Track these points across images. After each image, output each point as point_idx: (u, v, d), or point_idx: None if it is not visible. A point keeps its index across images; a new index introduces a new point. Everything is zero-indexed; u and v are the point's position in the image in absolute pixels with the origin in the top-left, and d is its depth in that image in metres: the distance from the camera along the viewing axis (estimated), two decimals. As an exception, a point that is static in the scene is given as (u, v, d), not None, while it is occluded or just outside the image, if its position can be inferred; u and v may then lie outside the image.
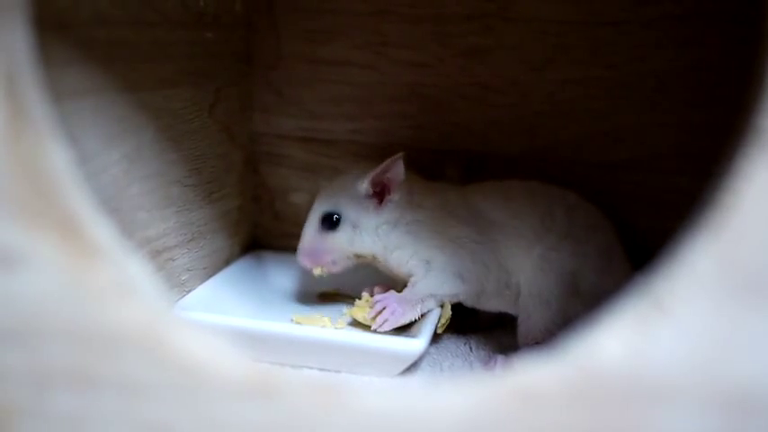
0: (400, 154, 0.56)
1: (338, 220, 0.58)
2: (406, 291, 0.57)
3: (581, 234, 0.57)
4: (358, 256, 0.60)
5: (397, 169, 0.57)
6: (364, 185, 0.58)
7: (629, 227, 0.62)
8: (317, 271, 0.60)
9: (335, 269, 0.60)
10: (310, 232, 0.59)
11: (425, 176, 0.63)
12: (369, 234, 0.58)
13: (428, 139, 0.68)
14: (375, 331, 0.55)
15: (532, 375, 0.28)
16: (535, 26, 0.64)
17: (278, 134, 0.71)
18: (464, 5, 0.65)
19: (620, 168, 0.65)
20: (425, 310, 0.56)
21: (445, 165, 0.66)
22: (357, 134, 0.70)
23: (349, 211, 0.58)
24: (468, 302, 0.58)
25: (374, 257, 0.59)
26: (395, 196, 0.58)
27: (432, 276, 0.57)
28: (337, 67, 0.68)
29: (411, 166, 0.59)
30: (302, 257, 0.60)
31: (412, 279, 0.57)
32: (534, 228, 0.57)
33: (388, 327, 0.55)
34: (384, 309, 0.55)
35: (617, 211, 0.62)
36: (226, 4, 0.64)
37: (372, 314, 0.56)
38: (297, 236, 0.63)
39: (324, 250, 0.59)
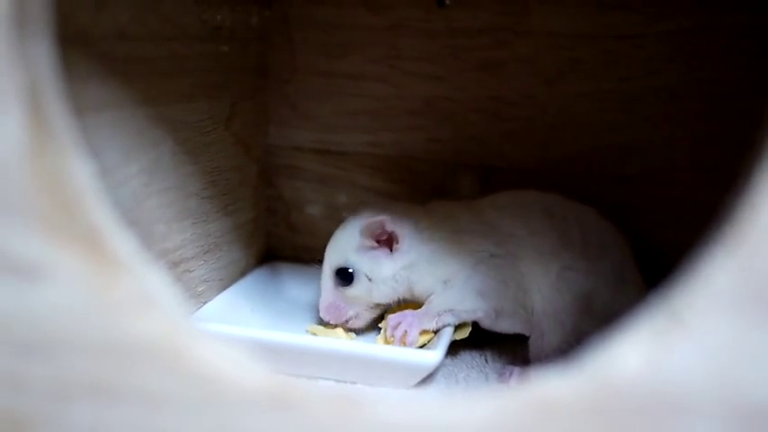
0: (383, 218, 0.56)
1: (352, 274, 0.58)
2: (423, 307, 0.57)
3: (595, 254, 0.57)
4: (379, 305, 0.59)
5: (395, 226, 0.56)
6: (366, 241, 0.57)
7: (643, 240, 0.62)
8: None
9: (359, 324, 0.60)
10: (327, 288, 0.59)
11: (438, 191, 0.63)
12: (387, 283, 0.58)
13: (442, 151, 0.68)
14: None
15: (550, 387, 0.28)
16: (548, 40, 0.64)
17: (293, 147, 0.72)
18: (478, 19, 0.65)
19: (634, 181, 0.65)
20: (443, 324, 0.56)
21: (459, 177, 0.67)
22: (372, 147, 0.70)
23: (361, 264, 0.58)
24: (486, 322, 0.57)
25: (398, 301, 0.59)
26: (403, 246, 0.57)
27: (449, 293, 0.56)
28: (352, 81, 0.69)
29: (417, 192, 0.58)
30: (324, 314, 0.59)
31: (430, 297, 0.57)
32: (552, 246, 0.56)
33: (410, 338, 0.55)
34: (399, 325, 0.56)
35: (630, 224, 0.62)
36: (242, 18, 0.65)
37: (390, 332, 0.56)
38: (311, 247, 0.63)
39: (344, 305, 0.59)
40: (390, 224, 0.56)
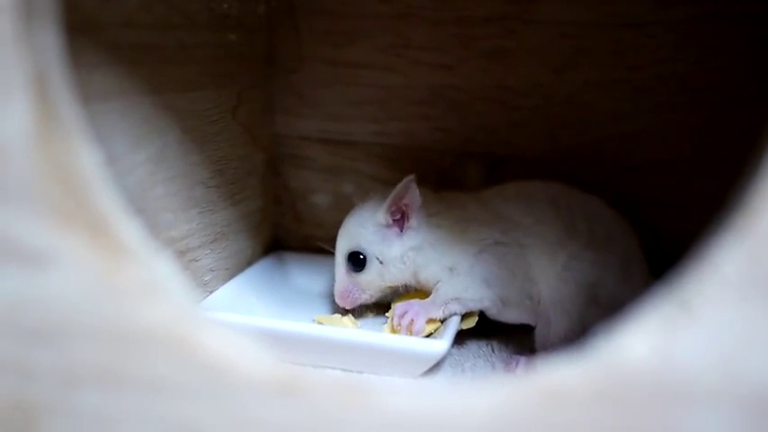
0: (411, 177, 0.56)
1: (364, 259, 0.58)
2: (430, 297, 0.57)
3: (601, 244, 0.57)
4: (391, 287, 0.60)
5: (412, 194, 0.56)
6: (382, 217, 0.58)
7: (651, 229, 0.62)
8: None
9: (374, 299, 0.61)
10: (341, 273, 0.60)
11: (445, 180, 0.63)
12: (395, 264, 0.58)
13: (450, 141, 0.68)
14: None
15: (558, 375, 0.28)
16: (556, 28, 0.64)
17: (299, 136, 0.72)
18: (485, 8, 0.65)
19: (642, 171, 0.65)
20: (449, 313, 0.56)
21: (466, 166, 0.66)
22: (378, 136, 0.70)
23: (373, 247, 0.58)
24: (493, 311, 0.57)
25: (405, 286, 0.60)
26: (414, 222, 0.57)
27: (455, 281, 0.56)
28: (359, 70, 0.69)
29: (425, 181, 0.58)
30: (339, 300, 0.60)
31: (436, 285, 0.57)
32: (559, 235, 0.57)
33: (417, 328, 0.55)
34: (406, 314, 0.56)
35: (639, 213, 0.62)
36: (249, 6, 0.65)
37: (396, 321, 0.56)
38: (318, 237, 0.63)
39: (357, 290, 0.60)
40: (414, 188, 0.56)
